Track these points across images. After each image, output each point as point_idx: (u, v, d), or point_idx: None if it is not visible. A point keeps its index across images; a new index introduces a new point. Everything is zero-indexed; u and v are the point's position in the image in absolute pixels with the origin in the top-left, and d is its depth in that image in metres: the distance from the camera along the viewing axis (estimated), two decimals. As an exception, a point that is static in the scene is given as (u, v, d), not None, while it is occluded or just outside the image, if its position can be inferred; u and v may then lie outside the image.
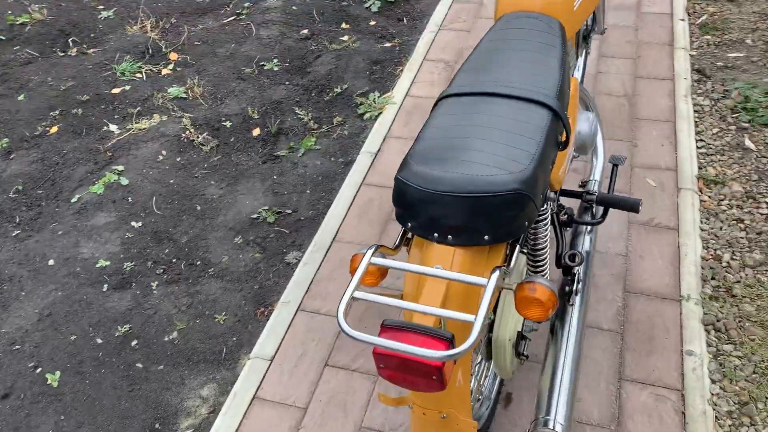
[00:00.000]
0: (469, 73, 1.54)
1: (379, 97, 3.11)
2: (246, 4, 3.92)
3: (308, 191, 2.69)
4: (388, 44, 3.52)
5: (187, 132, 3.03)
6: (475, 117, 1.39)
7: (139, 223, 2.62)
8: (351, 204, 2.57)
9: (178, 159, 2.91)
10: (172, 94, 3.25)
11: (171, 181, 2.80)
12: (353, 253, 2.36)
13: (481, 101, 1.44)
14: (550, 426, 1.33)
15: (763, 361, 1.92)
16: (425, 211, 1.26)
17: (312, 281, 2.28)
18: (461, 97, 1.47)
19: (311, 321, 2.15)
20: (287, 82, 3.31)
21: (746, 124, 2.76)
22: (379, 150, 2.81)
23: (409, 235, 1.43)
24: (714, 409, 1.83)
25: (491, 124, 1.37)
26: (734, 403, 1.84)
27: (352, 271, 1.37)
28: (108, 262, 2.47)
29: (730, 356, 1.95)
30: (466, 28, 3.54)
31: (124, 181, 2.79)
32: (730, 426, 1.79)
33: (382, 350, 1.13)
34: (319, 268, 2.33)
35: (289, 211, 2.61)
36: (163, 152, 2.94)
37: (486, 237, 1.25)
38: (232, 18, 3.83)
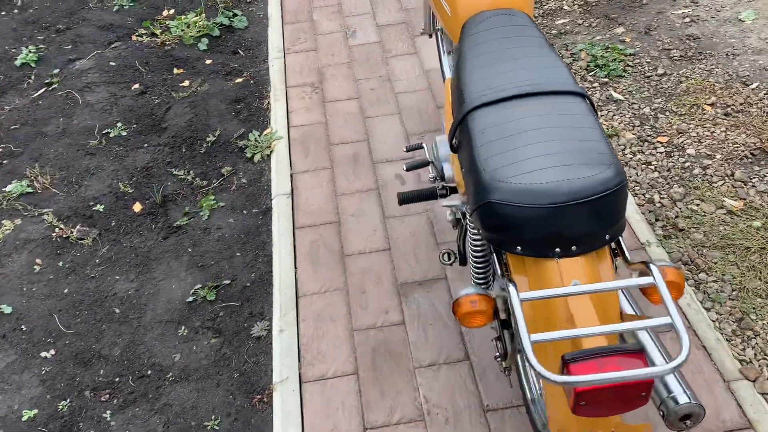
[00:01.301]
0: (481, 81, 1.48)
1: (260, 135, 2.89)
2: (54, 71, 3.39)
3: (238, 253, 2.42)
4: (239, 79, 3.29)
5: (57, 230, 2.54)
6: (524, 122, 1.33)
7: (51, 351, 2.15)
8: (295, 253, 2.35)
9: (60, 263, 2.43)
10: (14, 192, 2.71)
11: (65, 291, 2.33)
12: (328, 304, 2.17)
13: (516, 105, 1.38)
14: (684, 400, 1.33)
15: (734, 278, 2.13)
16: (542, 228, 1.18)
17: (299, 347, 2.05)
18: (492, 105, 1.40)
19: (324, 389, 1.94)
20: (146, 145, 2.94)
21: (605, 79, 3.04)
22: (292, 189, 2.61)
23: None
24: (722, 334, 1.99)
25: (544, 124, 1.32)
26: (733, 322, 2.02)
27: (462, 317, 1.24)
28: (35, 410, 1.98)
29: (707, 283, 2.13)
30: (311, 47, 3.43)
31: (7, 310, 2.27)
32: (741, 343, 1.96)
33: (586, 387, 1.03)
34: (299, 332, 2.10)
35: (228, 281, 2.32)
36: (38, 261, 2.44)
37: (606, 236, 1.21)
38: (43, 90, 3.30)
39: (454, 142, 1.48)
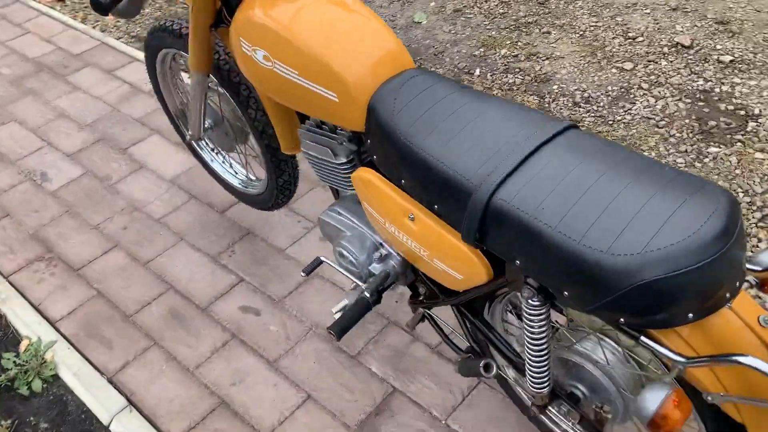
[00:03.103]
0: (466, 155, 1.18)
1: (18, 355, 2.04)
2: None
3: None
4: (-77, 300, 2.27)
5: None
6: (575, 176, 1.09)
7: None
8: (203, 473, 1.70)
9: None
10: None
11: None
12: None
13: (538, 164, 1.13)
14: None
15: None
16: (715, 278, 0.98)
17: None
18: (513, 176, 1.13)
19: None
20: None
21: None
22: (128, 397, 1.89)
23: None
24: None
25: (594, 171, 1.09)
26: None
27: (674, 427, 0.99)
28: None
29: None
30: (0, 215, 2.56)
31: None
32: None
33: None
34: None
35: None
36: None
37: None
38: None
39: (476, 235, 1.17)
